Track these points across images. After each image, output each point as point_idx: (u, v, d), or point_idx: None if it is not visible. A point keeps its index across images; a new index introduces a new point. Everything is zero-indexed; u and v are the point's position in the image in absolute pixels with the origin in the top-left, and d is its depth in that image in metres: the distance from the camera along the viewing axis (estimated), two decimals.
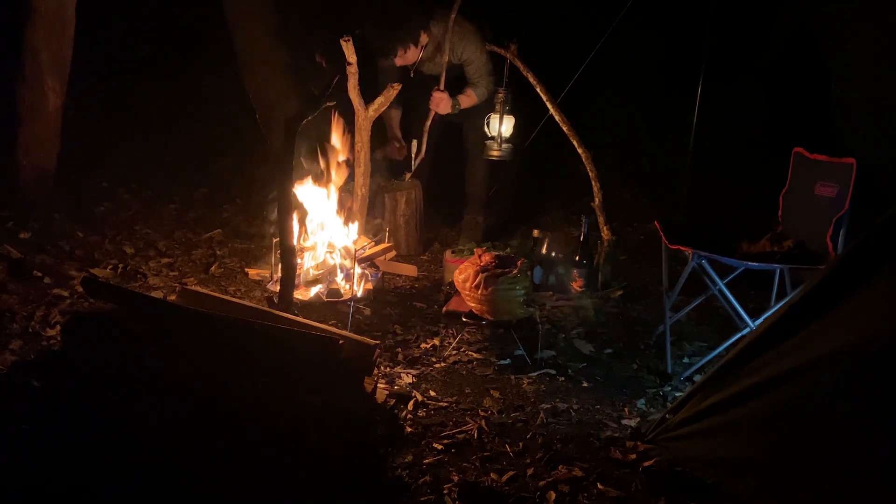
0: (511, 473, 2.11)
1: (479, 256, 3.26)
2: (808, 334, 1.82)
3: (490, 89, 4.02)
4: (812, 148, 2.98)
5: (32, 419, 2.14)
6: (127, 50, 5.56)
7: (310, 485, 1.98)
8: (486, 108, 4.02)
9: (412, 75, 4.00)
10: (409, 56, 3.91)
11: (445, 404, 2.53)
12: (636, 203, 5.19)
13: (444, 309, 3.32)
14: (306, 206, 3.29)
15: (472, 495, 2.02)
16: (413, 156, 4.22)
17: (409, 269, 3.77)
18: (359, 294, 3.12)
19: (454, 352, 2.96)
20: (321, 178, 3.37)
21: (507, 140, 4.02)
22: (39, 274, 3.35)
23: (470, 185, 4.37)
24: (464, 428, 2.36)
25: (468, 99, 4.03)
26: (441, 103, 3.98)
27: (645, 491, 2.03)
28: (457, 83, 4.04)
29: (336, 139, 3.43)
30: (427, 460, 2.17)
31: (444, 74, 3.97)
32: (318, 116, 2.86)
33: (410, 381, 2.70)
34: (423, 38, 3.92)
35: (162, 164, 5.21)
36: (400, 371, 2.77)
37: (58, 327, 2.85)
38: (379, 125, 3.75)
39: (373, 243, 3.47)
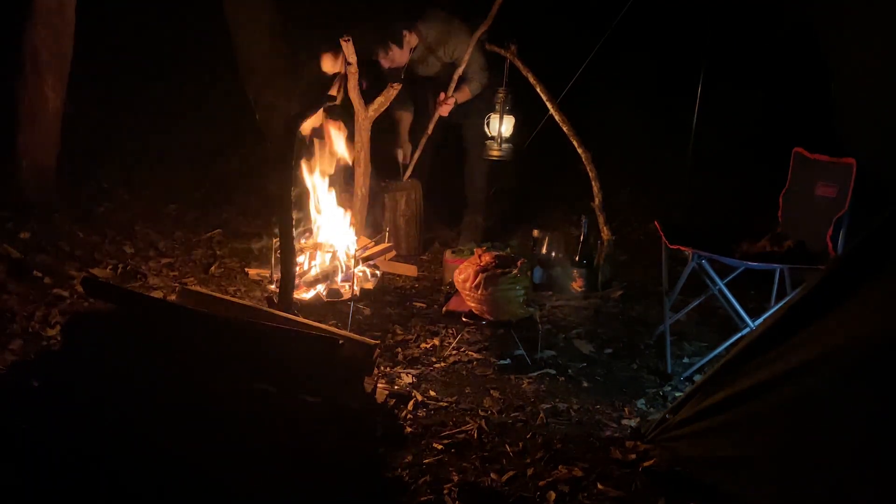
0: (511, 473, 2.11)
1: (479, 256, 3.27)
2: (808, 334, 1.82)
3: (483, 83, 4.03)
4: (812, 148, 2.99)
5: (32, 419, 2.14)
6: (127, 50, 5.56)
7: (310, 484, 1.98)
8: (485, 107, 4.02)
9: (402, 76, 4.00)
10: (395, 57, 3.90)
11: (445, 404, 2.53)
12: (636, 203, 5.19)
13: (444, 309, 3.32)
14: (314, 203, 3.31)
15: (472, 495, 2.02)
16: (401, 161, 4.26)
17: (409, 269, 3.78)
18: (359, 294, 3.12)
19: (454, 352, 2.96)
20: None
21: (507, 140, 4.02)
22: (39, 274, 3.35)
23: (470, 186, 4.37)
24: (464, 428, 2.36)
25: (462, 94, 4.06)
26: (447, 109, 4.02)
27: (645, 491, 2.03)
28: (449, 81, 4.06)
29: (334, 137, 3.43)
30: (427, 460, 2.17)
31: (454, 83, 3.98)
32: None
33: (410, 381, 2.70)
34: (412, 39, 3.91)
35: (162, 164, 5.20)
36: (400, 371, 2.77)
37: (58, 327, 2.85)
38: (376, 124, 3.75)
39: (373, 243, 3.47)
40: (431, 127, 4.13)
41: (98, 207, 4.41)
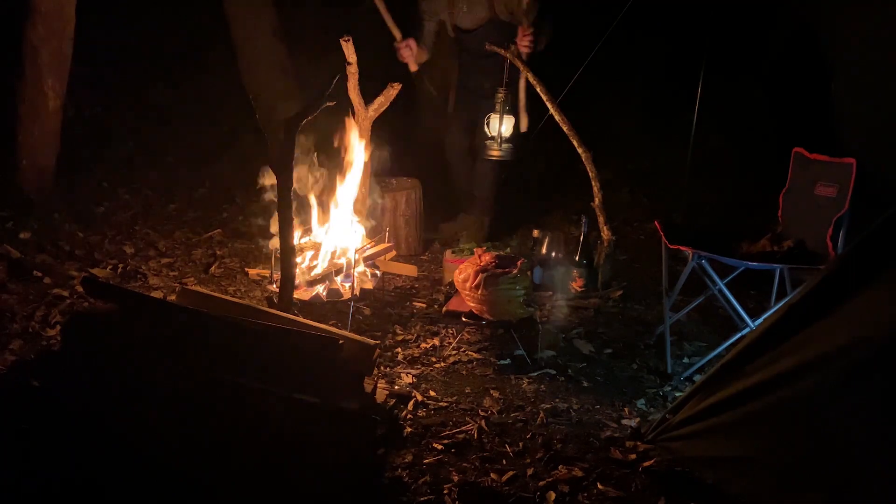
0: (511, 473, 2.11)
1: (479, 256, 3.27)
2: (807, 334, 1.82)
3: (550, 36, 3.97)
4: (812, 148, 2.99)
5: (32, 419, 2.14)
6: (127, 50, 5.56)
7: (310, 485, 1.98)
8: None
9: (454, 17, 3.98)
10: None
11: (445, 404, 2.53)
12: (636, 203, 5.19)
13: (444, 309, 3.32)
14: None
15: (472, 495, 2.02)
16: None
17: (409, 269, 3.77)
18: (359, 294, 3.11)
19: (454, 352, 2.96)
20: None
21: (507, 140, 4.01)
22: (39, 274, 3.35)
23: (479, 185, 4.34)
24: (464, 428, 2.36)
25: (540, 43, 3.98)
26: (528, 42, 3.90)
27: (645, 491, 2.04)
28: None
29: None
30: (427, 460, 2.17)
31: (529, 14, 3.88)
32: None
33: (410, 381, 2.70)
34: None
35: (162, 164, 5.21)
36: (400, 371, 2.77)
37: (58, 327, 2.85)
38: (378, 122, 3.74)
39: (373, 243, 3.47)
40: (522, 88, 4.02)
41: (98, 207, 4.41)
